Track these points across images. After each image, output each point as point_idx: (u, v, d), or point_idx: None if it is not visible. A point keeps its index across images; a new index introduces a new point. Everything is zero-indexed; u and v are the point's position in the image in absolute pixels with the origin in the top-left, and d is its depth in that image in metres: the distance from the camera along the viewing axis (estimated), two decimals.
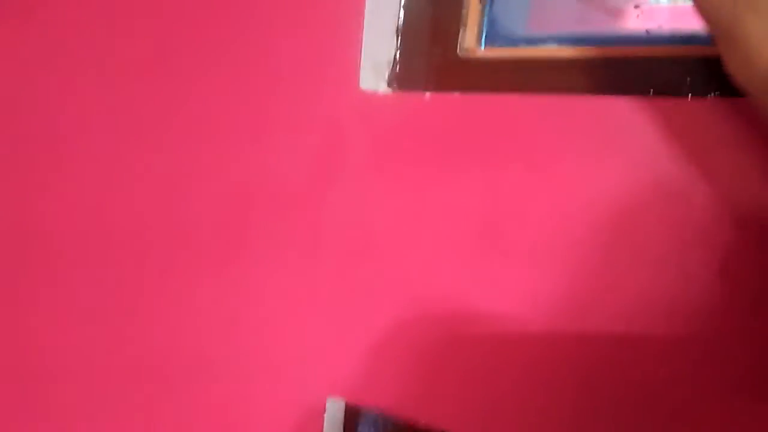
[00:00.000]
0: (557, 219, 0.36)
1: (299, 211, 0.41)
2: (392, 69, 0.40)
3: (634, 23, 0.35)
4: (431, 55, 0.39)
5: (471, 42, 0.39)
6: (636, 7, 0.35)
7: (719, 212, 0.32)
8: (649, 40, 0.35)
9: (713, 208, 0.32)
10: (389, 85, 0.40)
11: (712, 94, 0.32)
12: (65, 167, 0.46)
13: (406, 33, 0.39)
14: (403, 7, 0.39)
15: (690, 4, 0.27)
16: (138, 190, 0.43)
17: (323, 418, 0.40)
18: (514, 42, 0.38)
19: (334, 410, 0.40)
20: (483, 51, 0.38)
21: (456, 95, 0.39)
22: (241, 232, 0.41)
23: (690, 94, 0.33)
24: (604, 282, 0.35)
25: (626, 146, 0.34)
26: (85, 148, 0.45)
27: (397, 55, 0.40)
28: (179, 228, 0.42)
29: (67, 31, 0.45)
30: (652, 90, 0.33)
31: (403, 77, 0.39)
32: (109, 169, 0.44)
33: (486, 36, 0.39)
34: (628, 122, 0.34)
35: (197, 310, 0.42)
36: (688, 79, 0.33)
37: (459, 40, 0.38)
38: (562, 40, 0.37)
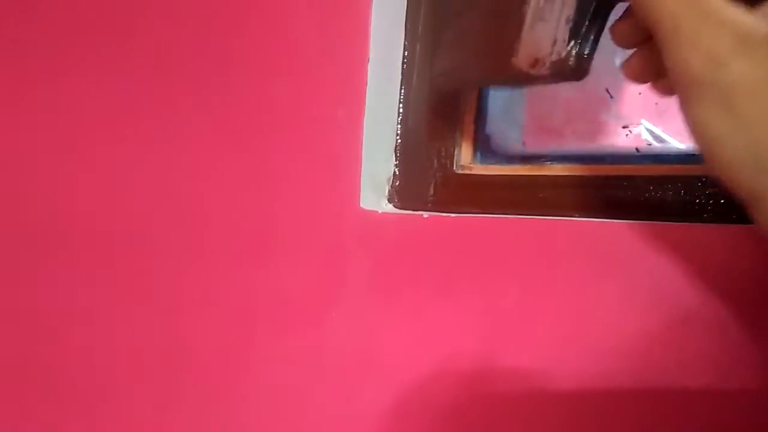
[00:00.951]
0: (555, 344, 0.36)
1: (302, 332, 0.41)
2: (391, 187, 0.40)
3: (623, 141, 0.36)
4: (428, 173, 0.40)
5: (467, 159, 0.40)
6: (624, 127, 0.36)
7: (722, 337, 0.32)
8: (640, 158, 0.36)
9: (715, 333, 0.32)
10: (390, 200, 0.40)
11: (707, 216, 0.32)
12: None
13: (404, 151, 0.40)
14: (400, 125, 0.41)
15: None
16: (134, 317, 0.44)
17: None
18: (509, 159, 0.39)
19: None
20: (479, 168, 0.39)
21: (453, 217, 0.39)
22: (243, 356, 0.41)
23: (685, 216, 0.33)
24: (606, 409, 0.35)
25: (624, 270, 0.34)
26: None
27: (396, 172, 0.41)
28: (180, 353, 0.43)
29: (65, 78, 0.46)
30: (649, 212, 0.34)
31: (403, 195, 0.40)
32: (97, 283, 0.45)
33: (481, 154, 0.40)
34: (625, 246, 0.34)
35: (205, 393, 0.41)
36: (683, 199, 0.33)
37: (455, 157, 0.39)
38: (555, 158, 0.38)
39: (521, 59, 0.31)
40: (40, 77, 0.47)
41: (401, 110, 0.41)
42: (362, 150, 0.41)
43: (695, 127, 0.24)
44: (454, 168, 0.40)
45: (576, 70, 0.30)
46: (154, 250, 0.44)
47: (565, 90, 0.39)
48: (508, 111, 0.40)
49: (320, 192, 0.42)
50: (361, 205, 0.41)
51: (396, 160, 0.41)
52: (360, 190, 0.41)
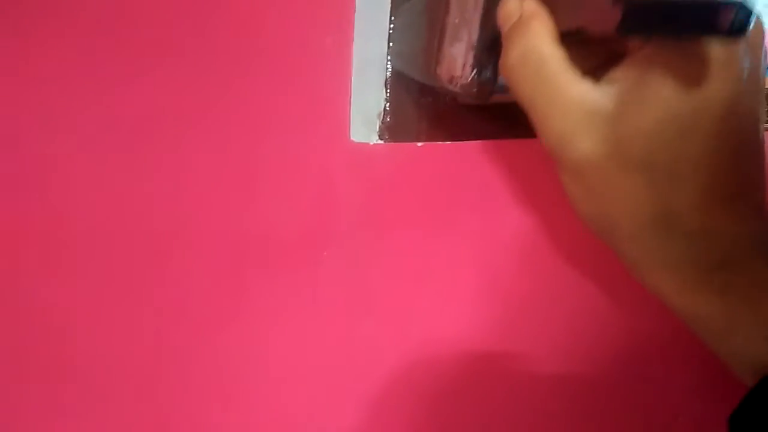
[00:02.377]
0: (559, 263, 0.36)
1: (295, 269, 0.39)
2: (383, 120, 0.39)
3: None
4: (421, 105, 0.39)
5: None
6: None
7: None
8: None
9: None
10: (381, 137, 0.39)
11: None
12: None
13: (395, 84, 0.39)
14: (390, 58, 0.39)
15: None
16: (124, 248, 0.41)
17: None
18: (503, 88, 0.38)
19: None
20: None
21: (448, 143, 0.39)
22: (236, 293, 0.40)
23: None
24: (613, 321, 0.35)
25: None
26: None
27: (387, 107, 0.39)
28: (170, 289, 0.40)
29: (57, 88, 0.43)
30: None
31: (395, 128, 0.39)
32: (90, 223, 0.42)
33: None
34: None
35: (194, 374, 0.39)
36: None
37: None
38: None
39: (442, 73, 0.33)
40: None
41: (391, 40, 0.39)
42: (351, 81, 0.40)
43: (563, 185, 0.27)
44: (448, 97, 0.39)
45: (478, 95, 0.33)
46: (135, 189, 0.42)
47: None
48: None
49: (307, 125, 0.40)
50: (352, 138, 0.39)
51: (387, 94, 0.40)
52: (350, 124, 0.40)
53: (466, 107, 0.39)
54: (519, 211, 0.37)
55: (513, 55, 0.27)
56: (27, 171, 0.42)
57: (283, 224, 0.40)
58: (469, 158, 0.38)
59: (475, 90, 0.32)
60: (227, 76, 0.41)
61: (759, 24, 0.24)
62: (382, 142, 0.39)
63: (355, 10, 0.40)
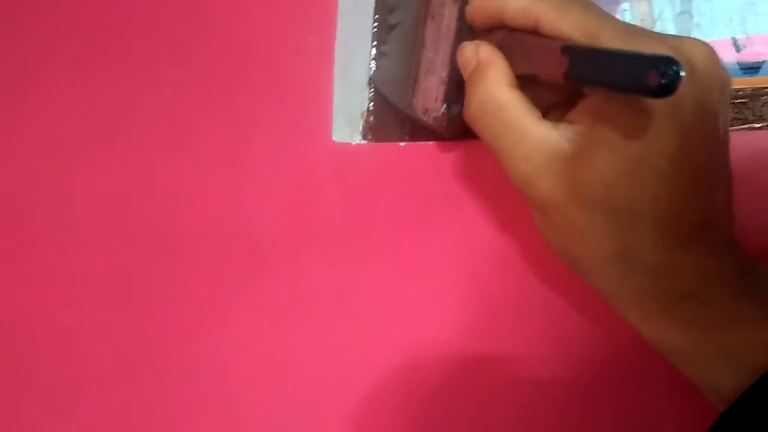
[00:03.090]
0: (545, 267, 0.36)
1: (275, 272, 0.39)
2: (366, 120, 0.39)
3: None
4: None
5: None
6: None
7: None
8: None
9: None
10: (364, 136, 0.39)
11: None
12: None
13: (381, 83, 0.39)
14: (374, 58, 0.39)
15: None
16: (105, 247, 0.40)
17: None
18: None
19: None
20: None
21: (430, 143, 0.38)
22: (215, 294, 0.39)
23: None
24: (597, 323, 0.35)
25: None
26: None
27: (371, 106, 0.39)
28: (150, 289, 0.39)
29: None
30: None
31: (378, 128, 0.39)
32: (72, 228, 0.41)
33: None
34: None
35: (174, 376, 0.38)
36: None
37: None
38: None
39: (418, 103, 0.34)
40: None
41: (375, 39, 0.39)
42: (334, 81, 0.39)
43: (533, 218, 0.28)
44: None
45: (448, 129, 0.34)
46: (115, 189, 0.41)
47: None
48: None
49: (289, 125, 0.40)
50: (333, 137, 0.39)
51: (370, 93, 0.39)
52: (332, 123, 0.39)
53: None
54: (502, 213, 0.37)
55: (473, 104, 0.28)
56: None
57: (264, 225, 0.39)
58: (452, 158, 0.38)
59: (445, 124, 0.33)
60: (208, 75, 0.41)
61: (701, 65, 0.24)
62: (365, 141, 0.39)
63: (337, 9, 0.39)
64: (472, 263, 0.37)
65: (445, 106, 0.33)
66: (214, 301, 0.39)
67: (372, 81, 0.39)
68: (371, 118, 0.39)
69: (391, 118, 0.39)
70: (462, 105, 0.30)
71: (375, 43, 0.39)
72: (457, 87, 0.32)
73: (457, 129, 0.34)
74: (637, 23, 0.36)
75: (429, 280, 0.37)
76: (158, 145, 0.40)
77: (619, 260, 0.25)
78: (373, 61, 0.39)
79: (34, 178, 0.41)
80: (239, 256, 0.39)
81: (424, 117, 0.34)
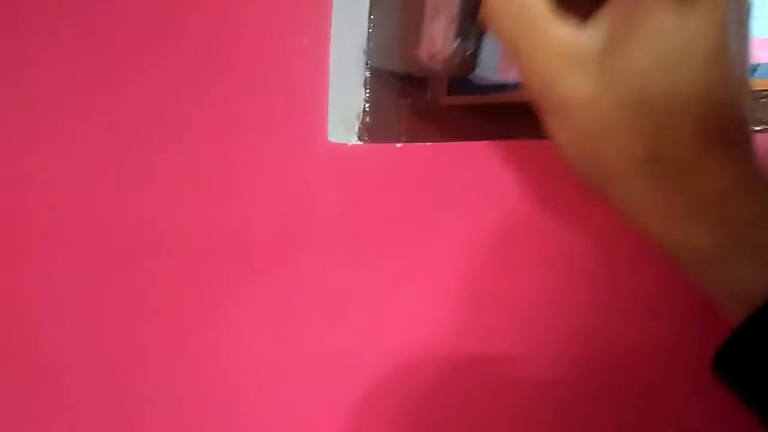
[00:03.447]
0: (541, 269, 0.35)
1: (270, 274, 0.38)
2: (362, 121, 0.38)
3: None
4: (401, 105, 0.38)
5: (441, 90, 0.38)
6: None
7: None
8: None
9: None
10: (360, 137, 0.38)
11: None
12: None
13: (375, 84, 0.38)
14: (368, 55, 0.39)
15: None
16: (99, 250, 0.40)
17: None
18: (484, 89, 0.38)
19: None
20: (453, 98, 0.38)
21: (428, 144, 0.38)
22: (212, 297, 0.38)
23: None
24: (598, 325, 0.35)
25: None
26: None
27: (367, 107, 0.39)
28: (145, 291, 0.39)
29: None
30: None
31: (374, 129, 0.38)
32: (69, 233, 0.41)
33: (456, 83, 0.38)
34: None
35: (171, 377, 0.38)
36: None
37: (429, 88, 0.38)
38: None
39: (422, 53, 0.33)
40: None
41: (370, 40, 0.39)
42: (329, 81, 0.39)
43: (546, 131, 0.27)
44: (428, 99, 0.38)
45: (461, 66, 0.32)
46: (108, 191, 0.40)
47: None
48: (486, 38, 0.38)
49: (284, 125, 0.39)
50: (329, 138, 0.38)
51: (366, 94, 0.39)
52: (327, 124, 0.39)
53: (446, 109, 0.38)
54: (499, 214, 0.37)
55: (494, 0, 0.27)
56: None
57: (259, 227, 0.38)
58: (449, 160, 0.37)
59: (458, 60, 0.32)
60: (202, 74, 0.40)
61: None
62: (360, 142, 0.38)
63: (332, 8, 0.39)
64: (468, 265, 0.37)
65: (458, 41, 0.31)
66: (209, 302, 0.39)
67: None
68: (367, 119, 0.39)
69: (388, 119, 0.38)
70: (476, 39, 0.30)
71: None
72: (470, 19, 0.31)
73: (470, 65, 0.33)
74: None
75: (426, 282, 0.37)
76: (152, 145, 0.40)
77: (649, 161, 0.24)
78: (368, 60, 0.38)
79: (27, 181, 0.41)
80: (234, 258, 0.38)
81: (430, 64, 0.33)
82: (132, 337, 0.39)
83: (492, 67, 0.38)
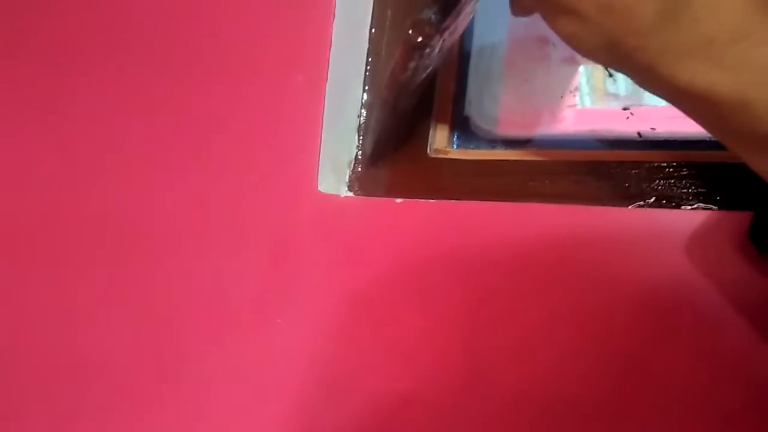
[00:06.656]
0: (547, 345, 0.31)
1: (244, 337, 0.35)
2: (352, 172, 0.35)
3: (624, 125, 0.32)
4: (397, 158, 0.35)
5: (442, 142, 0.35)
6: (625, 108, 0.32)
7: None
8: (642, 144, 0.31)
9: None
10: (350, 188, 0.35)
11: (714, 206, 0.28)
12: None
13: (369, 131, 0.35)
14: (365, 104, 0.35)
15: None
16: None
17: None
18: (491, 143, 0.34)
19: None
20: (456, 152, 0.34)
21: (430, 202, 0.34)
22: (172, 368, 0.35)
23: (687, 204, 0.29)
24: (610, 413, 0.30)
25: (624, 261, 0.30)
26: None
27: (359, 155, 0.35)
28: (89, 360, 0.36)
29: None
30: (648, 199, 0.30)
31: (366, 180, 0.35)
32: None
33: (458, 136, 0.35)
34: (627, 235, 0.30)
35: None
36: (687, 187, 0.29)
37: (429, 140, 0.34)
38: (542, 143, 0.33)
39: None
40: None
41: (366, 83, 0.35)
42: (322, 125, 0.35)
43: (557, 33, 0.27)
44: (428, 152, 0.34)
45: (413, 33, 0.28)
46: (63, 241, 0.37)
47: (555, 67, 0.34)
48: (489, 90, 0.35)
49: (272, 171, 0.36)
50: (319, 188, 0.35)
51: (359, 141, 0.35)
52: (318, 171, 0.35)
53: (442, 162, 0.34)
54: (504, 283, 0.32)
55: None
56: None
57: (235, 284, 0.35)
58: (452, 219, 0.33)
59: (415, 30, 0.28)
60: (186, 111, 0.37)
61: None
62: (351, 194, 0.35)
63: (330, 46, 0.36)
64: (468, 337, 0.33)
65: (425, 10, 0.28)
66: (178, 363, 0.35)
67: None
68: (359, 168, 0.35)
69: (381, 170, 0.35)
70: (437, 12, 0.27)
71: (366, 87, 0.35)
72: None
73: (424, 36, 0.28)
74: None
75: (420, 358, 0.33)
76: (132, 193, 0.37)
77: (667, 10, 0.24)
78: (363, 107, 0.35)
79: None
80: (204, 320, 0.35)
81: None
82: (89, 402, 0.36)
83: (493, 117, 0.35)
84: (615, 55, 0.26)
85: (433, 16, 0.27)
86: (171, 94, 0.38)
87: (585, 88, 0.33)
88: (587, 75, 0.33)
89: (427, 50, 0.28)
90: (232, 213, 0.36)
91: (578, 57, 0.29)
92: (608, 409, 0.30)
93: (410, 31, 0.27)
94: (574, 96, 0.33)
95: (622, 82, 0.33)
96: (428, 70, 0.31)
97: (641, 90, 0.27)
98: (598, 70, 0.33)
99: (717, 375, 0.28)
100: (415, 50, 0.27)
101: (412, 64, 0.28)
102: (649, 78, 0.26)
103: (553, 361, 0.31)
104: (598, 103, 0.33)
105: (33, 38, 0.41)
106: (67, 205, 0.39)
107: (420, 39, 0.27)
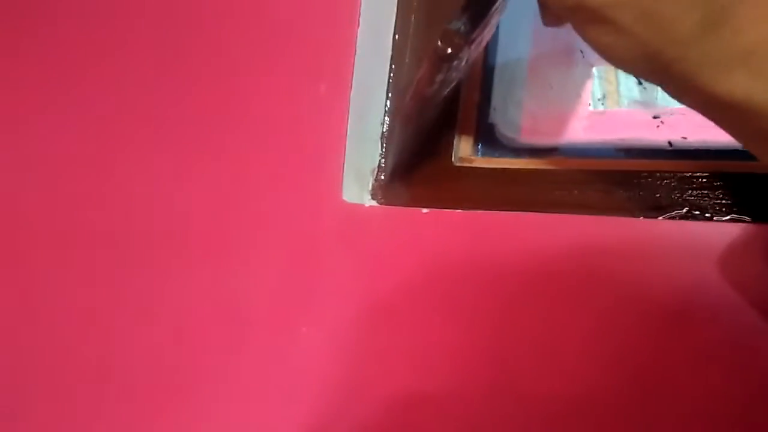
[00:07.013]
0: (573, 358, 0.31)
1: (267, 346, 0.35)
2: (375, 180, 0.35)
3: (654, 134, 0.31)
4: (421, 166, 0.34)
5: (466, 151, 0.34)
6: (656, 117, 0.31)
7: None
8: (673, 153, 0.31)
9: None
10: (373, 196, 0.35)
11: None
12: None
13: (392, 140, 0.35)
14: (388, 112, 0.35)
15: None
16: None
17: None
18: (516, 152, 0.34)
19: None
20: (481, 161, 0.34)
21: (457, 212, 0.33)
22: (197, 372, 0.35)
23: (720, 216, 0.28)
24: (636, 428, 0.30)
25: (654, 274, 0.29)
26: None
27: (382, 164, 0.35)
28: (106, 369, 0.36)
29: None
30: (679, 210, 0.29)
31: (389, 188, 0.35)
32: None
33: (482, 145, 0.34)
34: (657, 246, 0.29)
35: None
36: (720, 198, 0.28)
37: (454, 148, 0.34)
38: (569, 152, 0.33)
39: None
40: None
41: (390, 91, 0.35)
42: (347, 134, 0.35)
43: (591, 44, 0.26)
44: (452, 160, 0.34)
45: (442, 44, 0.28)
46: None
47: (582, 75, 0.34)
48: (513, 97, 0.34)
49: (296, 179, 0.36)
50: (344, 197, 0.35)
51: (382, 149, 0.35)
52: (342, 180, 0.35)
53: (467, 171, 0.34)
54: (534, 296, 0.32)
55: None
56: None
57: (257, 293, 0.35)
58: (479, 230, 0.33)
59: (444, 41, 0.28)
60: (209, 122, 0.37)
61: None
62: (374, 202, 0.35)
63: (354, 55, 0.36)
64: (491, 347, 0.32)
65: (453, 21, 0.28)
66: (198, 370, 0.35)
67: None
68: (381, 176, 0.35)
69: (404, 178, 0.35)
70: (465, 22, 0.27)
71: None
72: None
73: (453, 46, 0.28)
74: None
75: (450, 365, 0.32)
76: (154, 198, 0.37)
77: (710, 15, 0.23)
78: (387, 114, 0.35)
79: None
80: (226, 329, 0.35)
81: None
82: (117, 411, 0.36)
83: (516, 125, 0.34)
84: (652, 66, 0.25)
85: (462, 27, 0.27)
86: (196, 102, 0.38)
87: (614, 96, 0.33)
88: (616, 82, 0.33)
89: (455, 62, 0.27)
90: (256, 221, 0.36)
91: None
92: (634, 424, 0.29)
93: (439, 43, 0.26)
94: (602, 104, 0.33)
95: (652, 91, 0.32)
96: (452, 84, 0.31)
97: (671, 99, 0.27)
98: (630, 79, 0.32)
99: (749, 392, 0.27)
100: (443, 62, 0.27)
101: (439, 77, 0.28)
102: (686, 89, 0.25)
103: (578, 373, 0.31)
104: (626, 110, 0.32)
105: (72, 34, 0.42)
106: (94, 213, 0.40)
107: (449, 50, 0.27)
